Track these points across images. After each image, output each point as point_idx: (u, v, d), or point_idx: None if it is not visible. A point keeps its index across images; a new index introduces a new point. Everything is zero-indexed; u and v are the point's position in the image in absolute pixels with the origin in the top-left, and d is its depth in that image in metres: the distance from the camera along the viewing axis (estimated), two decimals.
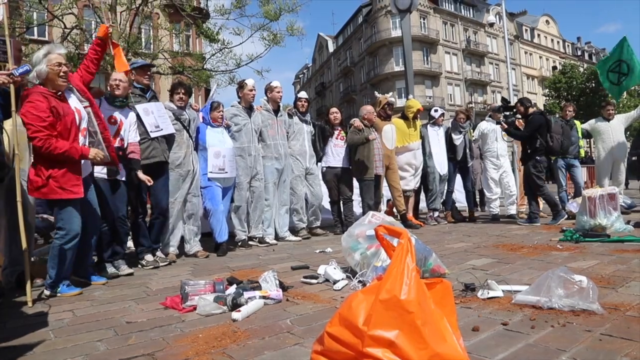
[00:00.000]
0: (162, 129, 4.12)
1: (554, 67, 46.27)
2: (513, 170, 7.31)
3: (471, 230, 5.54)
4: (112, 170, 3.55)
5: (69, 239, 2.94)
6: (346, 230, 3.43)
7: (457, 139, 6.52)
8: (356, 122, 5.64)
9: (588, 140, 10.09)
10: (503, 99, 6.90)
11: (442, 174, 6.50)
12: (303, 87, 59.98)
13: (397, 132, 6.14)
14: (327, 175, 5.79)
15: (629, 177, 7.76)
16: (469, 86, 41.77)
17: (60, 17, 9.83)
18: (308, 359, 1.54)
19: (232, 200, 4.85)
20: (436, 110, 6.80)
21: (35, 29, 13.62)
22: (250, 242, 5.03)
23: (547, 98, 36.45)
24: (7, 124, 2.97)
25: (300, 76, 67.30)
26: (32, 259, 3.35)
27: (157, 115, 4.12)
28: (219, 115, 4.65)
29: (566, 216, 5.76)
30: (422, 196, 6.81)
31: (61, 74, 2.91)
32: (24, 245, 2.88)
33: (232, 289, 2.60)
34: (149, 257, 3.98)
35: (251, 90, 5.03)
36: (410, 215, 6.29)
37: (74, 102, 3.09)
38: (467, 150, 6.62)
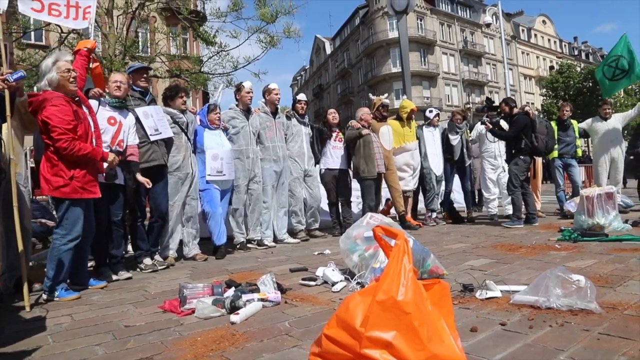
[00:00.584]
0: (161, 133, 4.11)
1: (551, 67, 46.38)
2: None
3: (469, 231, 5.55)
4: (110, 175, 3.55)
5: (69, 240, 3.01)
6: (344, 232, 3.43)
7: (454, 139, 6.53)
8: (353, 122, 5.71)
9: (586, 139, 10.07)
10: (487, 99, 6.90)
11: (438, 174, 6.52)
12: (301, 89, 60.01)
13: (393, 133, 6.15)
14: (326, 176, 5.79)
15: (626, 176, 7.74)
16: (467, 87, 41.86)
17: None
18: None
19: (230, 203, 4.85)
20: (431, 111, 6.81)
21: (32, 33, 13.64)
22: (249, 245, 5.03)
23: (545, 98, 36.54)
24: (3, 129, 2.98)
25: (298, 78, 67.36)
26: (30, 263, 3.35)
27: (156, 119, 4.11)
28: (215, 117, 4.65)
29: (522, 225, 5.62)
30: (421, 197, 6.82)
31: (71, 79, 3.06)
32: (21, 250, 2.87)
33: (231, 292, 2.59)
34: (147, 261, 3.97)
35: (248, 93, 5.03)
36: (409, 216, 6.29)
37: (83, 107, 3.27)
38: (465, 151, 6.63)
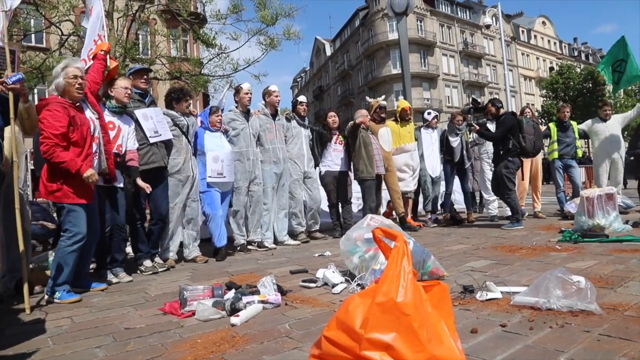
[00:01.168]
0: (160, 135, 4.11)
1: (551, 68, 46.39)
2: None
3: (470, 232, 5.55)
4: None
5: (75, 241, 3.03)
6: (345, 233, 3.43)
7: (454, 141, 6.53)
8: (351, 123, 5.72)
9: (586, 140, 10.07)
10: (474, 100, 6.90)
11: (434, 176, 6.53)
12: (301, 90, 60.09)
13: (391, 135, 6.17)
14: (326, 178, 5.79)
15: (626, 177, 7.74)
16: (467, 88, 41.86)
17: (58, 24, 9.85)
18: None
19: (230, 205, 4.85)
20: (429, 113, 6.84)
21: (33, 35, 13.67)
22: (249, 247, 5.03)
23: (545, 99, 36.56)
24: (6, 132, 2.99)
25: (298, 80, 67.42)
26: (31, 265, 3.35)
27: (155, 121, 4.11)
28: (217, 119, 4.65)
29: (522, 226, 5.58)
30: (421, 198, 6.83)
31: (77, 85, 3.11)
32: (21, 251, 2.87)
33: (231, 294, 2.60)
34: (147, 263, 3.97)
35: (247, 94, 5.04)
36: (409, 217, 6.29)
37: (89, 112, 3.31)
38: (464, 152, 6.63)
